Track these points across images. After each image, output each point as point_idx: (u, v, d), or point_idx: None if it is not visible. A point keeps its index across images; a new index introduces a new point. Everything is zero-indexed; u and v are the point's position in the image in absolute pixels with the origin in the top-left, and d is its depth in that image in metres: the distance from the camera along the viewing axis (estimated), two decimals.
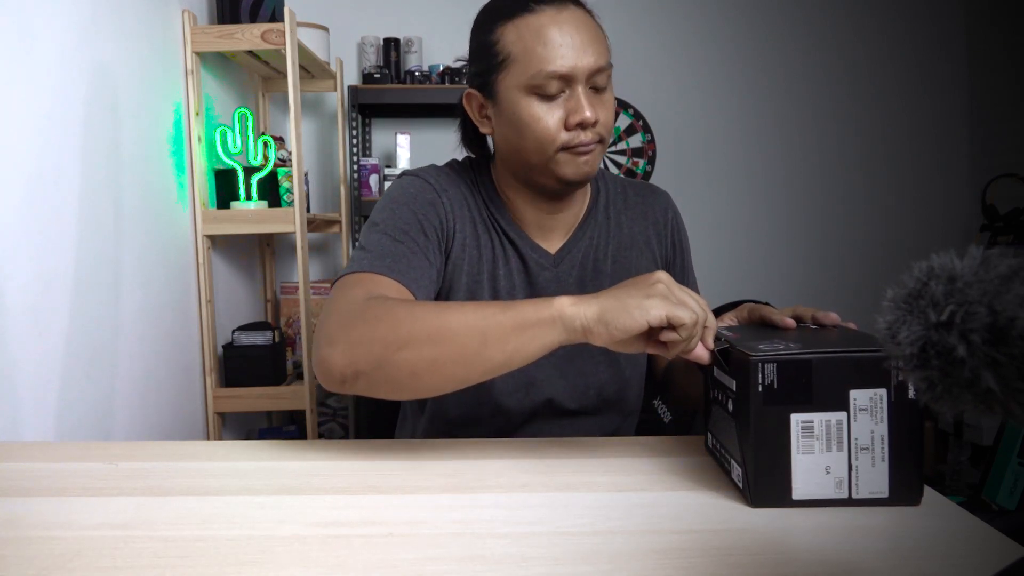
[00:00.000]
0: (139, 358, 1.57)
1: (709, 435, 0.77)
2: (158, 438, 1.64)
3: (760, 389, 0.63)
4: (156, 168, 1.68)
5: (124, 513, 0.64)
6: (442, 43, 2.74)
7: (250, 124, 1.91)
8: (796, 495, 0.64)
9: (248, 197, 1.90)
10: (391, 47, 2.64)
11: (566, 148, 0.86)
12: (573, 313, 0.69)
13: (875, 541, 0.58)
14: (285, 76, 1.94)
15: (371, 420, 1.23)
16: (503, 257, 0.96)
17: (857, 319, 0.76)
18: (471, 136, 1.00)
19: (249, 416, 2.29)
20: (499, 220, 0.97)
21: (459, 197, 0.96)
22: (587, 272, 1.00)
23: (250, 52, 2.02)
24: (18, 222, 1.18)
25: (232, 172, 1.89)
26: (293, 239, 1.98)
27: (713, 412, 0.75)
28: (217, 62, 2.06)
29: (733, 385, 0.67)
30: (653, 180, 2.86)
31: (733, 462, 0.68)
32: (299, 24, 2.04)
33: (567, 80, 0.84)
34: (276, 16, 1.96)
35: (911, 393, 0.62)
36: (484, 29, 0.89)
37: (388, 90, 2.54)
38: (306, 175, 2.41)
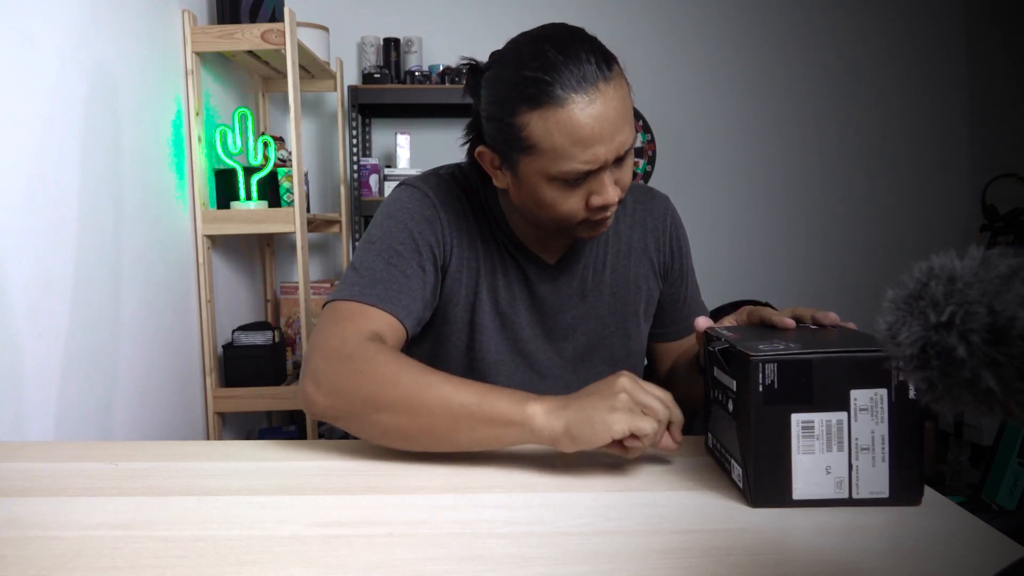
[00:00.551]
0: (139, 358, 1.57)
1: (709, 435, 0.77)
2: (158, 438, 1.64)
3: (760, 389, 0.63)
4: (156, 168, 1.68)
5: (124, 513, 0.64)
6: (442, 43, 2.74)
7: (250, 124, 1.91)
8: (796, 495, 0.64)
9: (248, 197, 1.90)
10: (391, 47, 2.64)
11: (586, 221, 0.86)
12: (542, 425, 0.71)
13: (875, 541, 0.58)
14: (285, 76, 1.94)
15: None
16: (502, 269, 0.96)
17: (857, 319, 0.77)
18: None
19: (249, 416, 2.29)
20: (499, 232, 0.96)
21: (458, 209, 0.95)
22: (587, 284, 1.00)
23: (250, 52, 2.02)
24: (18, 222, 1.18)
25: (232, 172, 1.89)
26: (293, 239, 1.98)
27: (713, 412, 0.75)
28: (217, 62, 2.06)
29: (733, 385, 0.67)
30: (653, 180, 2.86)
31: (733, 462, 0.68)
32: (299, 24, 2.04)
33: (594, 168, 0.82)
34: (276, 16, 1.96)
35: (911, 393, 0.62)
36: (507, 109, 0.81)
37: (388, 90, 2.54)
38: (306, 175, 2.41)
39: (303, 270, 1.95)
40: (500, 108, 0.82)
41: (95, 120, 1.42)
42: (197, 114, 1.84)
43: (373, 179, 2.56)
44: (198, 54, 1.85)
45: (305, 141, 2.75)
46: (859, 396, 0.63)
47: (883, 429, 0.63)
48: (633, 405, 0.70)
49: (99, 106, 1.43)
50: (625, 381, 0.72)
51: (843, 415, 0.63)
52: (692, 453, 0.79)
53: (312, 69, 2.29)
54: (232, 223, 1.87)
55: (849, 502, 0.64)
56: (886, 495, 0.64)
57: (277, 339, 2.00)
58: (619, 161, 0.83)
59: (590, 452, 0.79)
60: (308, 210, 2.23)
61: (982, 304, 0.31)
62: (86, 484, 0.71)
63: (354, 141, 2.63)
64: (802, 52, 2.87)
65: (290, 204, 1.95)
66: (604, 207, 0.84)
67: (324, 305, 0.88)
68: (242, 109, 1.90)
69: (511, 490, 0.69)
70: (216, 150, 1.88)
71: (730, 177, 2.90)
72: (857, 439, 0.63)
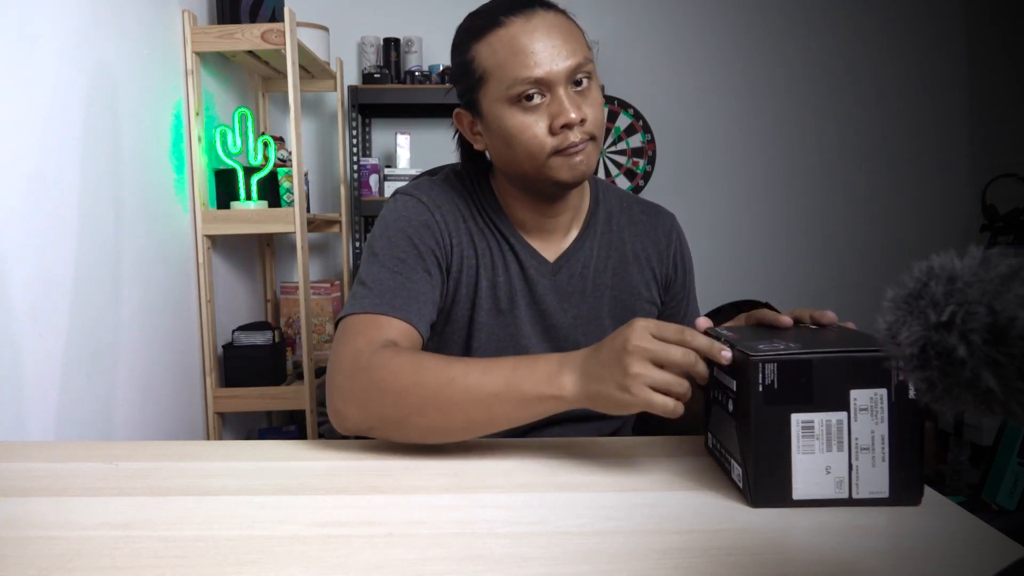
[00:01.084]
0: (139, 358, 1.57)
1: (709, 435, 0.77)
2: (158, 438, 1.64)
3: (760, 389, 0.63)
4: (156, 168, 1.68)
5: (124, 513, 0.64)
6: (442, 43, 2.74)
7: (250, 124, 1.91)
8: (796, 495, 0.64)
9: (248, 197, 1.90)
10: (391, 47, 2.64)
11: (557, 152, 0.86)
12: (574, 397, 0.72)
13: (875, 541, 0.58)
14: (285, 76, 1.94)
15: None
16: (503, 264, 0.96)
17: (857, 319, 0.76)
18: (469, 151, 1.00)
19: (249, 416, 2.29)
20: (498, 226, 0.97)
21: (454, 211, 0.96)
22: (587, 284, 1.00)
23: (250, 52, 2.02)
24: (18, 222, 1.18)
25: (232, 172, 1.89)
26: (293, 239, 1.98)
27: (713, 412, 0.75)
28: (217, 62, 2.06)
29: (733, 385, 0.67)
30: (653, 180, 2.86)
31: (733, 462, 0.68)
32: (299, 24, 2.04)
33: (546, 85, 0.85)
34: (276, 16, 1.96)
35: (911, 393, 0.62)
36: (460, 49, 0.90)
37: (388, 90, 2.54)
38: (306, 175, 2.41)
39: (303, 270, 1.95)
40: (457, 54, 0.91)
41: (95, 120, 1.42)
42: (197, 114, 1.84)
43: (373, 179, 2.56)
44: (198, 54, 1.85)
45: (305, 141, 2.75)
46: (859, 396, 0.62)
47: (883, 429, 0.63)
48: (646, 367, 0.67)
49: (99, 106, 1.44)
50: (634, 340, 0.68)
51: (843, 415, 0.63)
52: (692, 453, 0.79)
53: (312, 69, 2.29)
54: (232, 223, 1.87)
55: (849, 502, 0.64)
56: (886, 495, 0.63)
57: (277, 339, 2.00)
58: (578, 86, 0.86)
59: (589, 452, 0.79)
60: (308, 210, 2.23)
61: (982, 304, 0.31)
62: (86, 484, 0.71)
63: (354, 141, 2.63)
64: (802, 52, 2.87)
65: (290, 204, 1.95)
66: (568, 127, 0.85)
67: (336, 323, 0.89)
68: (242, 109, 1.90)
69: (511, 490, 0.69)
70: (216, 150, 1.88)
71: (730, 177, 2.90)
72: (857, 439, 0.63)
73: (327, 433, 2.54)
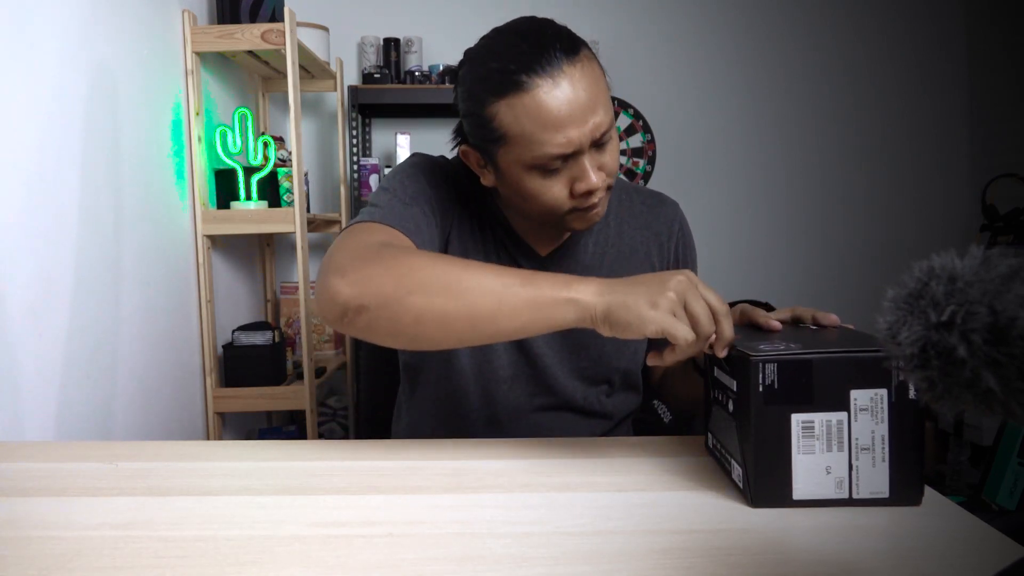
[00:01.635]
0: (139, 358, 1.57)
1: (709, 435, 0.77)
2: (158, 438, 1.64)
3: (760, 389, 0.63)
4: (156, 168, 1.68)
5: (124, 513, 0.64)
6: (442, 43, 2.74)
7: (250, 124, 1.91)
8: (796, 495, 0.64)
9: (248, 197, 1.90)
10: (391, 47, 2.64)
11: (575, 208, 0.85)
12: (588, 302, 0.68)
13: (875, 541, 0.58)
14: (285, 76, 1.94)
15: (371, 420, 1.23)
16: (494, 253, 0.97)
17: (857, 319, 0.76)
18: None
19: (249, 416, 2.29)
20: (495, 223, 0.97)
21: (458, 195, 0.96)
22: None
23: (250, 52, 2.02)
24: (18, 222, 1.18)
25: (232, 172, 1.89)
26: (293, 239, 1.98)
27: (713, 412, 0.75)
28: (217, 62, 2.06)
29: (733, 385, 0.67)
30: (653, 180, 2.86)
31: (733, 462, 0.68)
32: (299, 24, 2.04)
33: (570, 153, 0.81)
34: (276, 16, 1.95)
35: (912, 393, 0.62)
36: (477, 100, 0.82)
37: (388, 90, 2.54)
38: (306, 175, 2.41)
39: (303, 270, 1.95)
40: (472, 103, 0.83)
41: (95, 120, 1.42)
42: (197, 114, 1.84)
43: (373, 179, 2.56)
44: (198, 54, 1.85)
45: (305, 141, 2.75)
46: (859, 396, 0.62)
47: (883, 429, 0.63)
48: (678, 306, 0.66)
49: (99, 106, 1.43)
50: (682, 279, 0.68)
51: (843, 415, 0.63)
52: (692, 453, 0.79)
53: (312, 69, 2.29)
54: (232, 223, 1.87)
55: (849, 502, 0.64)
56: (886, 495, 0.63)
57: (277, 339, 2.00)
58: (599, 145, 0.83)
59: (589, 452, 0.79)
60: (308, 210, 2.23)
61: (983, 304, 0.31)
62: (86, 484, 0.71)
63: (354, 141, 2.63)
64: (802, 52, 2.87)
65: (290, 204, 1.95)
66: (589, 193, 0.83)
67: (342, 230, 0.86)
68: (242, 109, 1.90)
69: (511, 490, 0.69)
70: (216, 150, 1.88)
71: (730, 177, 2.90)
72: (857, 439, 0.63)
73: (327, 433, 2.54)
